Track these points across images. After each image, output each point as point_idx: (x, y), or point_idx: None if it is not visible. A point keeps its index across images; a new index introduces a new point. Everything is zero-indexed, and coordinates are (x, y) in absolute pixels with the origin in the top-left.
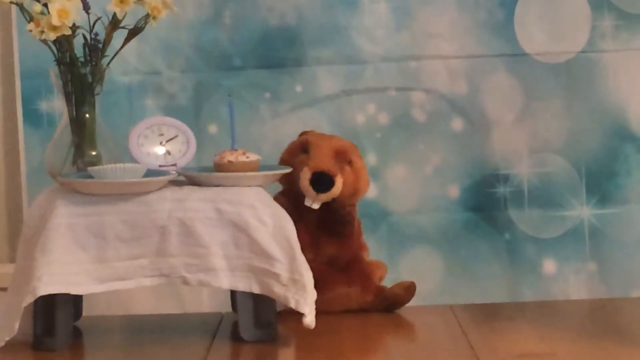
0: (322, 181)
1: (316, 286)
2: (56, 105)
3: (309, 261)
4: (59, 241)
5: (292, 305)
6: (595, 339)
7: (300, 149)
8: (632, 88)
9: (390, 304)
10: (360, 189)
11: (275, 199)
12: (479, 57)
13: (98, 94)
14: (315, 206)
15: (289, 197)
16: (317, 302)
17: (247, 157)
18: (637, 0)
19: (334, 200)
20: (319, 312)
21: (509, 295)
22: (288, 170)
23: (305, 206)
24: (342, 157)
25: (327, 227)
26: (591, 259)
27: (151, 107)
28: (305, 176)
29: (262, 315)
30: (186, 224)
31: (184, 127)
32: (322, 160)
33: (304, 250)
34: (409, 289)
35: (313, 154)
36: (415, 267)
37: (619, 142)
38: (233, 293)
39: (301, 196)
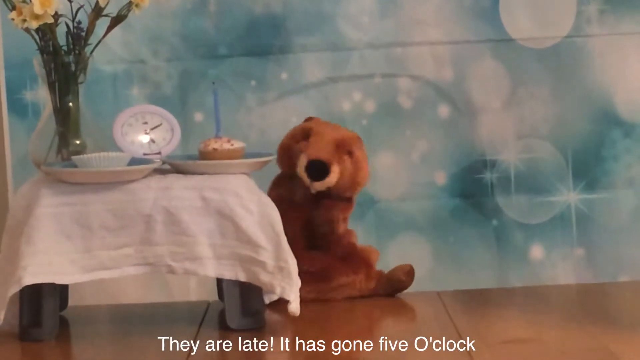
0: (317, 169)
1: (324, 275)
2: (41, 94)
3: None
4: (44, 231)
5: (278, 292)
6: (582, 324)
7: (302, 135)
8: (619, 73)
9: (393, 289)
10: (359, 182)
11: (273, 183)
12: (464, 43)
13: (82, 82)
14: (312, 191)
15: (287, 181)
16: (322, 290)
17: (232, 145)
18: None
19: (329, 192)
20: (323, 300)
21: (496, 281)
22: (272, 158)
23: (299, 193)
24: (343, 147)
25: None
26: (578, 244)
27: (136, 96)
28: (301, 163)
29: (249, 303)
30: (171, 212)
31: (168, 115)
32: (320, 148)
33: (296, 237)
34: (410, 273)
35: (313, 140)
36: (403, 254)
37: (606, 127)
38: (219, 281)
39: (299, 180)
